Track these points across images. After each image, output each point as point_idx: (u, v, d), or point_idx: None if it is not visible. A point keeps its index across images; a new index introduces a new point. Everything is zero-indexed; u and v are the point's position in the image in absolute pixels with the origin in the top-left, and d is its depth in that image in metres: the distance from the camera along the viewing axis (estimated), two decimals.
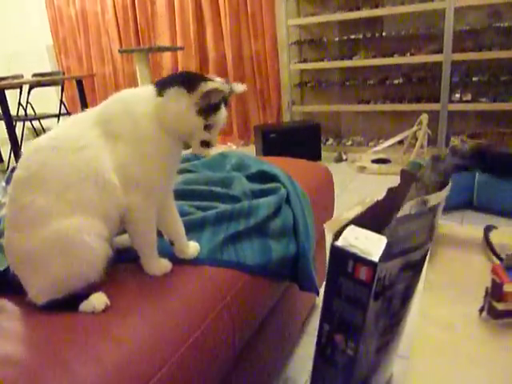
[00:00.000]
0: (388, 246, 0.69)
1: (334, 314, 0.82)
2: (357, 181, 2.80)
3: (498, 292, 0.54)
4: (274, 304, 1.01)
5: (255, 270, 0.87)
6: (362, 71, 3.40)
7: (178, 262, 0.80)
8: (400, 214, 0.71)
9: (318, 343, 0.77)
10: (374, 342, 0.86)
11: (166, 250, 0.80)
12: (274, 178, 1.12)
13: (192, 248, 0.82)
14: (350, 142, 3.59)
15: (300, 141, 3.21)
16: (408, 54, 3.11)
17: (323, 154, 3.35)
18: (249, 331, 0.86)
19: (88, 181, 0.65)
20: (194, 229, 0.86)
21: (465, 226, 0.83)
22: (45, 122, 4.44)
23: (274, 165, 1.21)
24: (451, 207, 2.15)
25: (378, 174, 2.89)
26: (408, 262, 0.81)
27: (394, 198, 0.95)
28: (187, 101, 0.68)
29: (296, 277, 1.02)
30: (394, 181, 0.87)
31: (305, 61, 3.59)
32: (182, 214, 0.90)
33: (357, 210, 0.92)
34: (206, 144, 0.73)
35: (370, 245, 0.70)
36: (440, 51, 2.92)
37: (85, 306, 0.66)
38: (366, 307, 0.72)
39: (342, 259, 0.73)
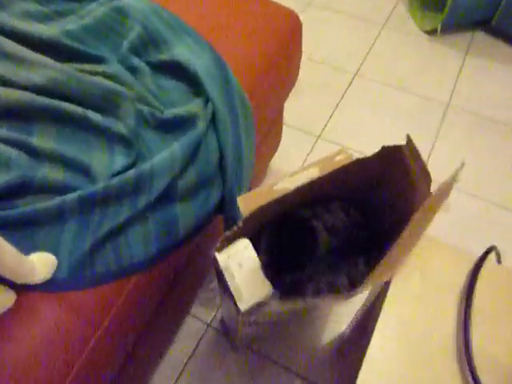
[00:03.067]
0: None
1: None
2: None
3: None
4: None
5: (150, 262, 0.63)
6: None
7: (24, 288, 0.55)
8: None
9: None
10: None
11: None
12: (194, 79, 0.71)
13: (43, 266, 0.54)
14: None
15: None
16: None
17: None
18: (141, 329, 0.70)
19: None
20: (46, 225, 0.56)
21: (454, 248, 0.56)
22: None
23: (202, 41, 0.76)
24: (459, 24, 1.66)
25: None
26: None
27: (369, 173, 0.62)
28: None
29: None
30: None
31: None
32: (20, 184, 0.57)
33: (303, 177, 0.61)
34: None
35: (247, 284, 0.52)
36: None
37: None
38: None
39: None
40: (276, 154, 1.26)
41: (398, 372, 0.48)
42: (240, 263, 0.52)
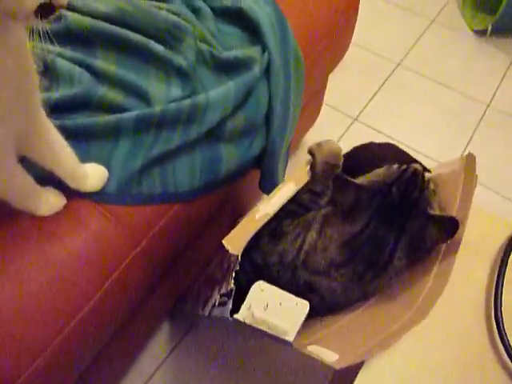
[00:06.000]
0: None
1: None
2: None
3: None
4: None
5: (192, 195, 0.65)
6: None
7: (73, 194, 0.57)
8: None
9: None
10: None
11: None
12: (255, 26, 0.72)
13: (95, 177, 0.57)
14: None
15: None
16: None
17: None
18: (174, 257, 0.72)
19: None
20: (101, 139, 0.59)
21: (493, 215, 0.57)
22: None
23: None
24: (510, 29, 1.63)
25: None
26: None
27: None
28: None
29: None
30: None
31: None
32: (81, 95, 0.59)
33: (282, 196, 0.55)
34: (47, 10, 0.36)
35: (284, 317, 0.48)
36: None
37: None
38: None
39: None
40: (310, 129, 1.27)
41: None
42: (264, 306, 0.47)
